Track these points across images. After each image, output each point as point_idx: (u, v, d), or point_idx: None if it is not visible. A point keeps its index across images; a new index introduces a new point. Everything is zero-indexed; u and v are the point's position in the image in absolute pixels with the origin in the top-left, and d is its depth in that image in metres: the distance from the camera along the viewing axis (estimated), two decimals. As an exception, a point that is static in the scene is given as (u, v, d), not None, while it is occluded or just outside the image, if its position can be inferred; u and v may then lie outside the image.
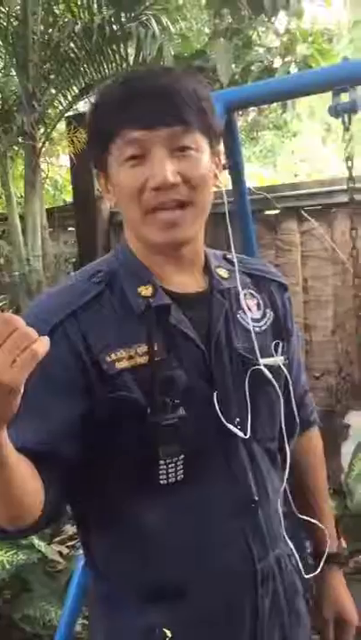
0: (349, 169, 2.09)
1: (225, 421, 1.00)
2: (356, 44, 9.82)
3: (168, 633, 0.96)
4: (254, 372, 1.05)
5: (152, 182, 0.94)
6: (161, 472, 0.95)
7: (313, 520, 1.22)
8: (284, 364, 1.11)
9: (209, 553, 1.00)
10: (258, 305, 1.12)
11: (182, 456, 0.96)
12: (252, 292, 1.12)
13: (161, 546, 0.99)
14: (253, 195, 3.72)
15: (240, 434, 1.02)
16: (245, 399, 1.03)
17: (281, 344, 1.12)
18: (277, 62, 3.42)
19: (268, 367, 1.07)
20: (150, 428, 0.94)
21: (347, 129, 2.06)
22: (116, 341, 0.96)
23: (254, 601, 1.03)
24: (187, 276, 1.05)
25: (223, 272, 1.09)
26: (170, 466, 0.96)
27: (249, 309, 1.09)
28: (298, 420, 1.15)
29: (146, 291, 0.99)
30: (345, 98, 2.05)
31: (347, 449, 3.43)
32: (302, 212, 3.61)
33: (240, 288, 1.09)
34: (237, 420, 1.02)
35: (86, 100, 3.93)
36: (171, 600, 0.99)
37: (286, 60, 3.37)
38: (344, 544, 1.32)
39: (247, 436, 1.03)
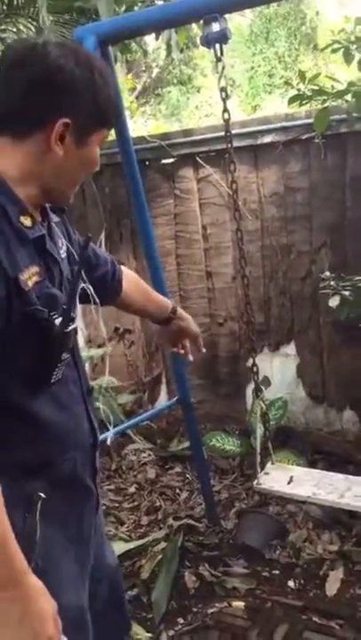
0: (224, 100, 2.05)
1: (78, 331, 1.26)
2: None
3: (42, 495, 1.23)
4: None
5: (96, 167, 1.31)
6: (55, 373, 1.22)
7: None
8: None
9: (78, 432, 1.35)
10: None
11: (67, 359, 1.25)
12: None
13: (50, 430, 1.26)
14: (148, 143, 3.66)
15: (81, 340, 1.20)
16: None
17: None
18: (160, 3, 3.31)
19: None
20: (58, 337, 1.19)
21: (218, 59, 2.02)
22: (22, 262, 1.12)
23: (93, 461, 1.42)
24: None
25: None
26: (59, 367, 1.23)
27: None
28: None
29: (26, 221, 1.16)
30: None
31: (251, 391, 3.50)
32: (197, 158, 3.58)
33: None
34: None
35: None
36: (48, 471, 1.27)
37: (168, -1, 3.29)
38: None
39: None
